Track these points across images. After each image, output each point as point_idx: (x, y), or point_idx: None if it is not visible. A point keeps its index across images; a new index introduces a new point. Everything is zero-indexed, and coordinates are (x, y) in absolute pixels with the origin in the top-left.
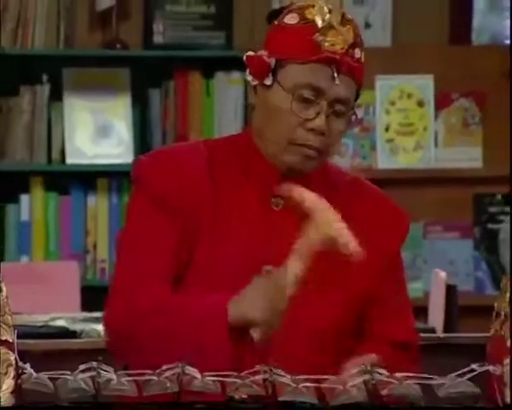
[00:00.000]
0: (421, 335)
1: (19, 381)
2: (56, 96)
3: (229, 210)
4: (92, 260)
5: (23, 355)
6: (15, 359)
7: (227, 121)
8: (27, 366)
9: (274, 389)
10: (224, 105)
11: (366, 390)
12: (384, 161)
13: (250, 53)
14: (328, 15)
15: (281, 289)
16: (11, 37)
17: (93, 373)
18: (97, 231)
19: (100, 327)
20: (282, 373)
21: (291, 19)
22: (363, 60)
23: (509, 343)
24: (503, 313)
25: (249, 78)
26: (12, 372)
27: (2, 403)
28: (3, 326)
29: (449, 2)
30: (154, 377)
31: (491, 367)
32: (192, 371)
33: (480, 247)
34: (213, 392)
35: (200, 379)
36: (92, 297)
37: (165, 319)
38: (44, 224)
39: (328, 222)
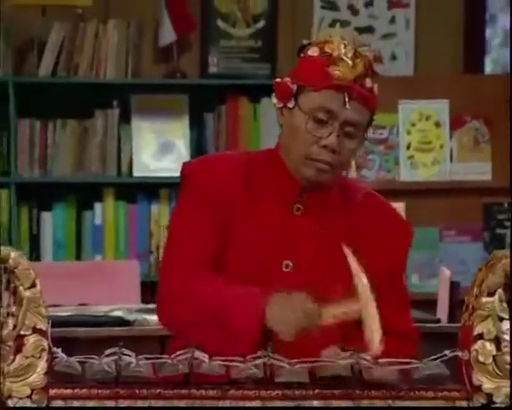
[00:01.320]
0: (428, 324)
1: (52, 364)
2: (125, 118)
3: (257, 214)
4: (155, 259)
5: (76, 341)
6: (48, 345)
7: (270, 140)
8: (59, 350)
9: (272, 371)
10: (268, 126)
11: (351, 370)
12: (406, 175)
13: (278, 80)
14: (342, 50)
15: (311, 320)
16: (88, 68)
17: (115, 357)
18: (160, 235)
19: (151, 317)
20: (280, 358)
21: (313, 51)
22: (375, 90)
23: (475, 332)
24: (471, 306)
25: (275, 100)
26: (45, 356)
27: (37, 383)
28: (38, 317)
29: (463, 36)
30: (168, 361)
31: (460, 353)
32: (201, 355)
33: (488, 249)
34: (219, 374)
35: (208, 363)
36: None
37: (211, 306)
38: (115, 228)
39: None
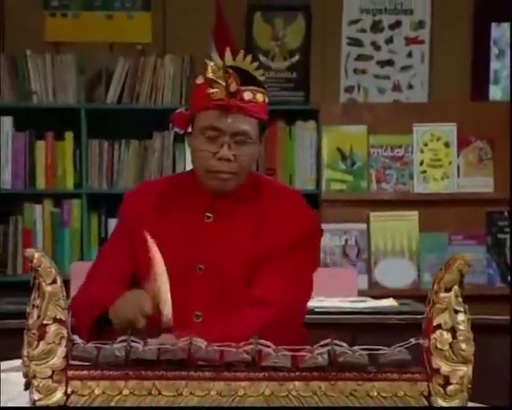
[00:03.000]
0: (419, 316)
1: (71, 349)
2: (180, 139)
3: (173, 225)
4: None
5: None
6: (67, 333)
7: (304, 158)
8: (76, 337)
9: (260, 356)
10: (301, 146)
11: (328, 357)
12: (419, 187)
13: (177, 111)
14: (216, 73)
15: (138, 307)
16: (148, 96)
17: (125, 344)
18: None
19: None
20: (268, 344)
21: (199, 79)
22: (259, 99)
23: (434, 322)
24: (431, 300)
25: (176, 129)
26: (64, 343)
27: (57, 365)
28: (58, 308)
29: (471, 68)
30: (170, 347)
31: (421, 341)
32: (199, 342)
33: (491, 251)
34: (213, 358)
35: (205, 348)
36: None
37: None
38: None
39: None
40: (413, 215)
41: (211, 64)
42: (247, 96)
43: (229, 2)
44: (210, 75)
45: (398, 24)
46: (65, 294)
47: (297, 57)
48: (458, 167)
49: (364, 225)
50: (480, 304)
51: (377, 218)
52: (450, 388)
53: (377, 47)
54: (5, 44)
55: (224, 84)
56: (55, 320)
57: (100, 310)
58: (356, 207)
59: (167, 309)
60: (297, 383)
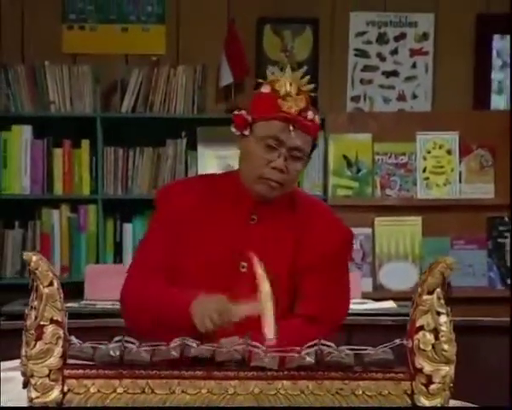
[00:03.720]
0: None
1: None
2: (192, 147)
3: (217, 225)
4: None
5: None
6: (64, 333)
7: (311, 165)
8: (73, 338)
9: (249, 356)
10: None
11: (315, 357)
12: (422, 193)
13: (236, 112)
14: (288, 88)
15: (224, 316)
16: (161, 105)
17: (120, 344)
18: None
19: None
20: (258, 345)
21: (265, 89)
22: (316, 120)
23: (417, 324)
24: (415, 303)
25: (233, 129)
26: (60, 343)
27: (54, 364)
28: (55, 310)
29: (473, 79)
30: (163, 347)
31: (405, 341)
32: (191, 342)
33: (491, 255)
34: (205, 357)
35: (196, 348)
36: None
37: (155, 307)
38: None
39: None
40: (416, 220)
41: (284, 78)
42: (310, 115)
43: (239, 14)
44: (283, 89)
45: (402, 36)
46: (62, 296)
47: (305, 68)
48: (460, 174)
49: (369, 230)
50: (482, 306)
51: (381, 223)
52: (432, 387)
53: (383, 58)
54: (25, 56)
55: (295, 99)
56: (52, 321)
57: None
58: (361, 212)
59: (270, 330)
60: (285, 382)
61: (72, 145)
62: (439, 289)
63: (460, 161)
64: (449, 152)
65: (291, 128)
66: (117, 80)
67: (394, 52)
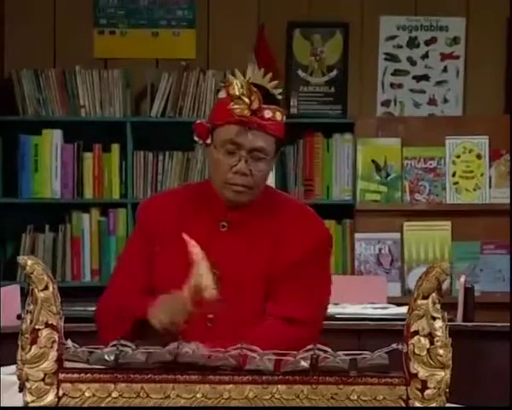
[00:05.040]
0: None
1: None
2: None
3: (189, 233)
4: None
5: None
6: (58, 337)
7: (340, 169)
8: (69, 341)
9: (244, 360)
10: (338, 157)
11: (310, 362)
12: (451, 198)
13: (197, 121)
14: (240, 89)
15: (179, 307)
16: (190, 109)
17: (115, 348)
18: None
19: None
20: (253, 349)
21: (222, 94)
22: (278, 118)
23: (412, 329)
24: (411, 308)
25: (196, 139)
26: (55, 347)
27: (49, 368)
28: (50, 314)
29: (504, 83)
30: (158, 351)
31: (400, 346)
32: (187, 346)
33: None
34: (199, 362)
35: (192, 353)
36: None
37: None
38: None
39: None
40: (445, 225)
41: (235, 80)
42: (267, 114)
43: (270, 19)
44: (234, 91)
45: (433, 40)
46: (58, 300)
47: (335, 72)
48: (490, 179)
49: (398, 235)
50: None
51: (410, 227)
52: (427, 392)
53: (413, 62)
54: (56, 60)
55: (247, 101)
56: (47, 325)
57: (132, 320)
58: (390, 217)
59: (209, 285)
60: (280, 386)
61: (103, 149)
62: (434, 294)
63: (490, 166)
64: (478, 157)
65: (246, 130)
66: (147, 85)
67: (425, 56)
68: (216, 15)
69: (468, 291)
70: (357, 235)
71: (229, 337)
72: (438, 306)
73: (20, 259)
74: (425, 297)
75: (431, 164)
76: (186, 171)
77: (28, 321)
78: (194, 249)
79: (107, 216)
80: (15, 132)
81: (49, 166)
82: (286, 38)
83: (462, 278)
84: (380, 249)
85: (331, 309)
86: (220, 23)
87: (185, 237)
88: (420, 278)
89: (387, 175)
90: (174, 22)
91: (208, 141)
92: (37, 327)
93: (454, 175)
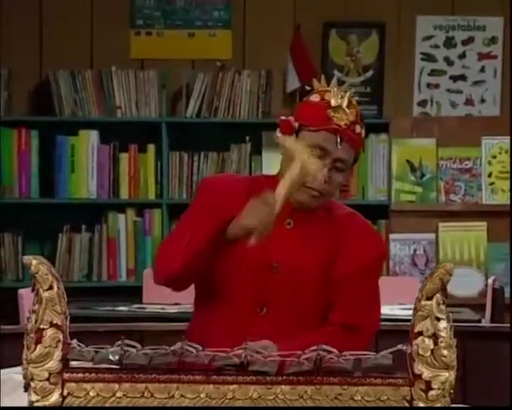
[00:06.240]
0: (468, 323)
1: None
2: (257, 151)
3: None
4: None
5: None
6: (63, 336)
7: (376, 170)
8: (74, 341)
9: (248, 361)
10: (374, 157)
11: (314, 362)
12: (487, 198)
13: (283, 117)
14: (339, 100)
15: (270, 205)
16: (225, 110)
17: (119, 348)
18: None
19: None
20: (258, 350)
21: (314, 97)
22: (363, 135)
23: (416, 329)
24: (415, 309)
25: (279, 134)
26: (60, 346)
27: (54, 368)
28: (54, 313)
29: None
30: (162, 351)
31: (404, 347)
32: (189, 347)
33: None
34: (202, 362)
35: (195, 354)
36: None
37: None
38: None
39: (302, 158)
40: (481, 226)
41: (334, 89)
42: (358, 129)
43: (305, 19)
44: (334, 100)
45: (470, 40)
46: (63, 299)
47: (371, 72)
48: None
49: (433, 235)
50: None
51: (446, 228)
52: (431, 393)
53: (450, 62)
54: (93, 61)
55: (348, 112)
56: (52, 325)
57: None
58: (425, 217)
59: (315, 161)
60: (284, 386)
61: (138, 150)
62: (438, 295)
63: None
64: None
65: (338, 140)
66: (182, 85)
67: (462, 56)
68: (252, 16)
69: (497, 292)
70: (392, 236)
71: (280, 330)
72: (442, 307)
73: (25, 258)
74: (429, 298)
75: (467, 164)
76: (221, 171)
77: (33, 321)
78: (287, 141)
79: (143, 216)
80: (52, 133)
81: (85, 167)
82: (322, 39)
83: (491, 279)
84: (415, 250)
85: None
86: (256, 23)
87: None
88: (425, 278)
89: (422, 175)
90: (210, 23)
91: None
92: (41, 327)
93: (490, 176)
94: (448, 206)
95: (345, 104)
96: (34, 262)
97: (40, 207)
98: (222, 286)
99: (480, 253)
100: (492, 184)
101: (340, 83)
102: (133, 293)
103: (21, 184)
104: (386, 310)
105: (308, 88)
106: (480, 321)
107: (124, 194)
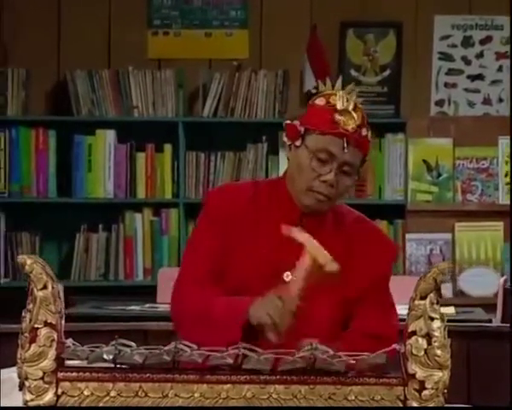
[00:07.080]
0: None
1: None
2: (273, 151)
3: (263, 232)
4: None
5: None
6: (58, 336)
7: (393, 169)
8: (69, 341)
9: (242, 360)
10: (391, 157)
11: (307, 361)
12: (504, 198)
13: (288, 122)
14: (345, 103)
15: (288, 305)
16: (242, 110)
17: (113, 347)
18: None
19: None
20: (250, 347)
21: (320, 101)
22: (369, 137)
23: (409, 329)
24: (409, 309)
25: (285, 139)
26: (54, 345)
27: (48, 367)
28: (49, 313)
29: None
30: (156, 351)
31: (397, 346)
32: (184, 347)
33: None
34: (196, 362)
35: (189, 353)
36: None
37: (203, 315)
38: None
39: (314, 251)
40: (498, 226)
41: (339, 92)
42: (364, 132)
43: (322, 18)
44: (340, 104)
45: (488, 39)
46: (58, 299)
47: (388, 72)
48: None
49: (449, 235)
50: None
51: (462, 228)
52: (425, 392)
53: (468, 62)
54: (110, 61)
55: (354, 116)
56: (46, 324)
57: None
58: (441, 217)
59: (326, 257)
60: (277, 386)
61: (155, 149)
62: (432, 295)
63: None
64: None
65: (345, 144)
66: (199, 85)
67: (480, 55)
68: (269, 16)
69: (508, 292)
70: (408, 235)
71: (293, 336)
72: (436, 306)
73: (19, 258)
74: (423, 298)
75: (483, 164)
76: (237, 171)
77: (28, 320)
78: (297, 234)
79: (160, 216)
80: (70, 133)
81: (102, 167)
82: (339, 38)
83: (502, 279)
84: (431, 250)
85: None
86: (273, 23)
87: (284, 228)
88: (420, 279)
89: (439, 175)
90: (227, 23)
91: (298, 143)
92: (36, 326)
93: (506, 175)
94: (464, 206)
95: (351, 107)
96: (28, 261)
97: (57, 206)
98: (234, 295)
99: (496, 253)
100: (509, 183)
101: (346, 83)
102: (149, 292)
103: (39, 183)
104: (401, 310)
105: (313, 91)
106: (490, 321)
107: (140, 193)
